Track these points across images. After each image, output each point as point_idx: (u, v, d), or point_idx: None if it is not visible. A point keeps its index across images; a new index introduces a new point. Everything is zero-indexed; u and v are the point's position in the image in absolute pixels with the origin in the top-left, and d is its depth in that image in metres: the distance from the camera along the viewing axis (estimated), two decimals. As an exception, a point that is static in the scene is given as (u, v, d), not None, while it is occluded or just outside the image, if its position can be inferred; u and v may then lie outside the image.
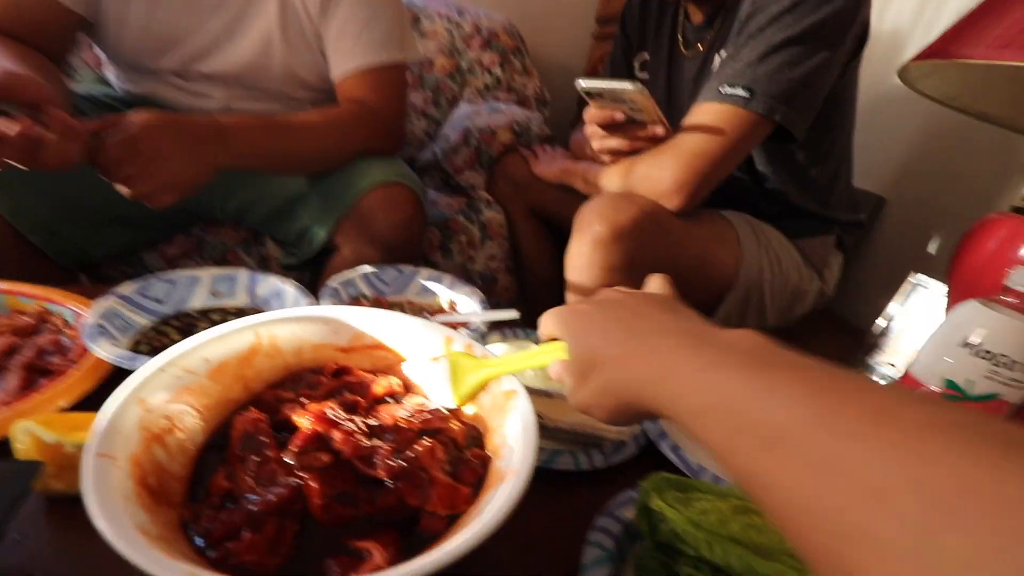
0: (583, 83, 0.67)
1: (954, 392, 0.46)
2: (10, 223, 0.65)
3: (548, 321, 0.37)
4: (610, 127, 0.71)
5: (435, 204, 1.01)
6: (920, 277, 0.82)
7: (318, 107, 0.76)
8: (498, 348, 0.56)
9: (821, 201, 0.82)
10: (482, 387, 0.41)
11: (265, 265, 0.86)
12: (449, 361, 0.42)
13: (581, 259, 0.67)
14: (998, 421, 0.16)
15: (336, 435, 0.35)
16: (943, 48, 0.50)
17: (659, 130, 0.68)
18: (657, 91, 0.88)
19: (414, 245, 0.79)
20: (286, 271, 0.82)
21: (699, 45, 0.81)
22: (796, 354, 0.24)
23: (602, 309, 0.33)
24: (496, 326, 0.61)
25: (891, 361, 0.76)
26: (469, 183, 1.07)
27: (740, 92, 0.63)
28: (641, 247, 0.65)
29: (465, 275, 0.99)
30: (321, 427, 0.35)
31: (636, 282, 0.67)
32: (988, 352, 0.44)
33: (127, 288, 0.51)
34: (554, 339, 0.37)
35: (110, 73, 0.83)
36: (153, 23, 0.72)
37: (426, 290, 0.66)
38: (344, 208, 0.73)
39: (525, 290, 1.10)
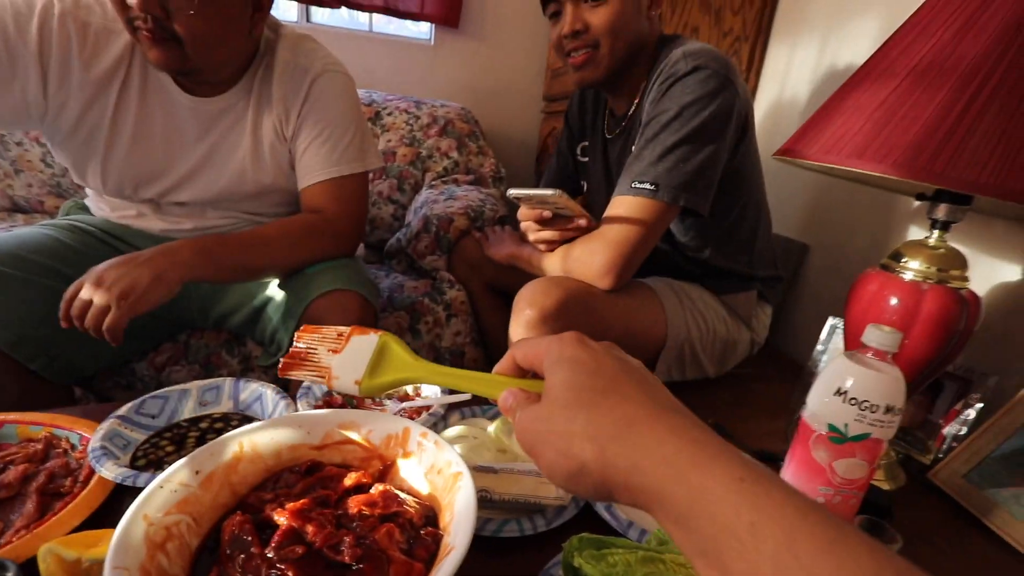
0: (512, 192, 0.79)
1: (836, 434, 0.55)
2: (8, 354, 0.72)
3: (550, 350, 0.32)
4: (541, 221, 0.82)
5: (402, 288, 1.11)
6: (836, 320, 0.93)
7: (288, 214, 0.86)
8: (454, 430, 0.64)
9: (740, 261, 0.94)
10: (401, 384, 0.37)
11: (248, 364, 0.93)
12: (380, 341, 0.38)
13: (518, 338, 0.77)
14: None
15: (309, 528, 0.42)
16: (790, 148, 0.62)
17: (582, 222, 0.80)
18: (597, 169, 1.01)
19: None
20: (266, 370, 0.89)
21: (617, 131, 0.94)
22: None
23: (617, 358, 0.31)
24: (455, 407, 0.69)
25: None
26: (433, 266, 1.16)
27: (648, 186, 0.75)
28: (568, 326, 0.74)
29: (435, 352, 1.07)
30: (296, 523, 0.43)
31: None
32: (855, 399, 0.53)
33: (124, 409, 0.58)
34: (524, 368, 0.34)
35: (90, 203, 0.93)
36: (134, 159, 0.81)
37: (393, 378, 0.74)
38: (298, 314, 0.80)
39: (491, 360, 1.19)
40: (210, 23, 0.70)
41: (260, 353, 0.94)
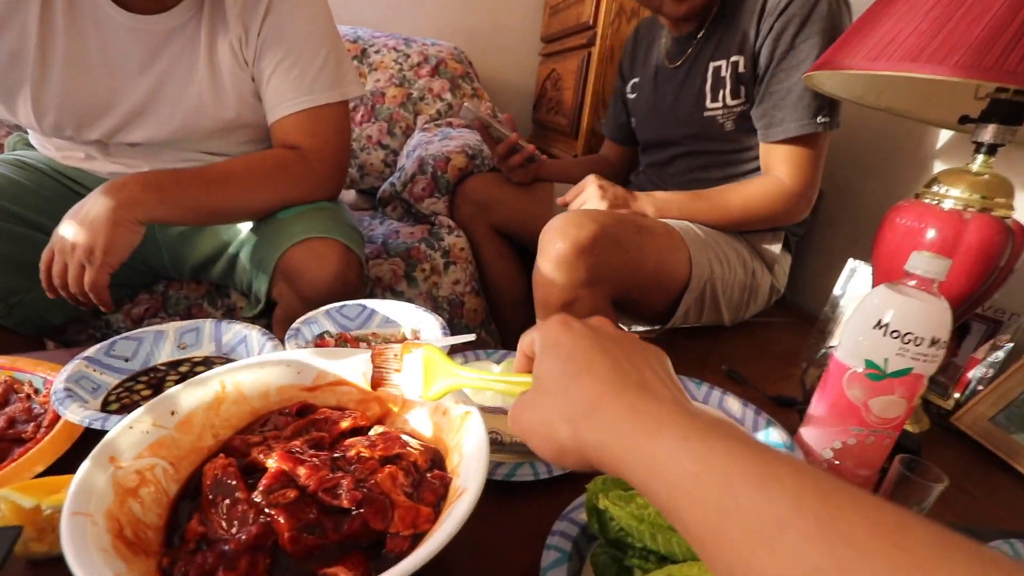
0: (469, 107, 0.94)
1: (874, 370, 0.50)
2: None
3: (537, 337, 0.33)
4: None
5: (397, 234, 1.04)
6: (856, 263, 0.88)
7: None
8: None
9: None
10: (452, 391, 0.41)
11: (232, 316, 0.87)
12: (424, 358, 0.42)
13: (546, 276, 0.71)
14: (984, 547, 0.18)
15: (301, 471, 0.38)
16: (829, 60, 0.56)
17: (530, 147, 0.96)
18: (646, 99, 0.99)
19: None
20: (252, 321, 0.83)
21: (684, 57, 0.90)
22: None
23: (596, 338, 0.31)
24: (457, 349, 0.64)
25: (835, 344, 0.81)
26: (430, 210, 1.10)
27: (826, 119, 0.77)
28: (601, 263, 0.70)
29: (432, 301, 1.02)
30: (287, 465, 0.38)
31: (600, 295, 0.72)
32: (896, 331, 0.49)
33: (93, 350, 0.52)
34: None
35: (34, 141, 0.81)
36: (71, 92, 0.69)
37: (389, 321, 0.69)
38: (270, 266, 0.72)
39: (494, 310, 1.14)
40: None
41: (244, 304, 0.87)
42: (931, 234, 0.60)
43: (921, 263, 0.49)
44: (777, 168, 0.81)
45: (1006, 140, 0.58)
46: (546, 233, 0.71)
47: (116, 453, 0.36)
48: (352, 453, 0.41)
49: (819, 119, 0.75)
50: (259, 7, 0.70)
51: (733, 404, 0.62)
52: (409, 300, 1.00)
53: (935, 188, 0.62)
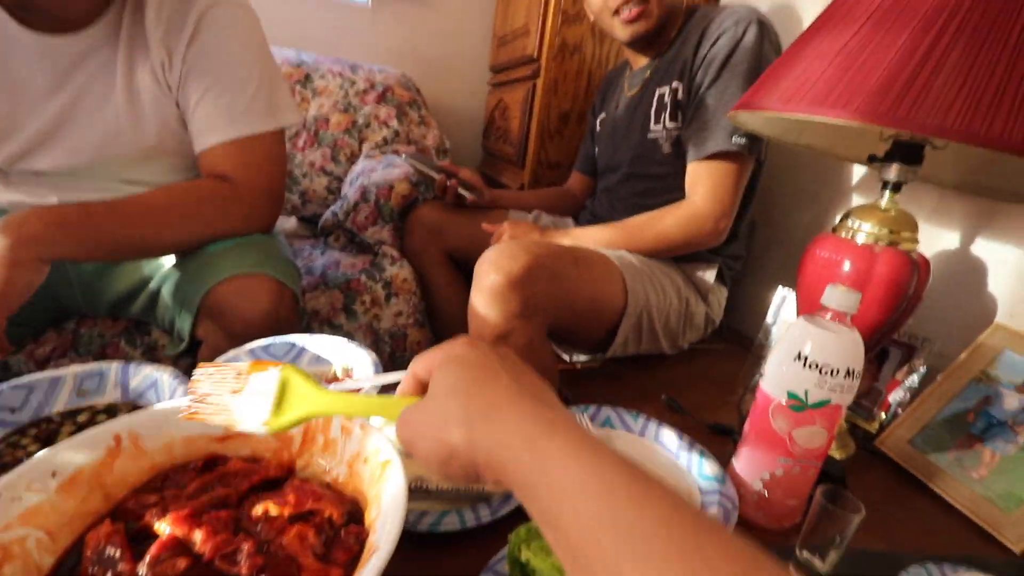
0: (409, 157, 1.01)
1: (795, 402, 0.52)
2: None
3: (439, 354, 0.33)
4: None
5: (338, 265, 1.01)
6: (786, 290, 0.92)
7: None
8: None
9: None
10: (309, 419, 0.36)
11: (154, 356, 0.81)
12: (281, 377, 0.36)
13: (480, 307, 0.70)
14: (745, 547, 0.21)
15: (198, 535, 0.34)
16: (748, 101, 0.59)
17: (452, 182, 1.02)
18: (606, 129, 1.07)
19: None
20: (175, 360, 0.78)
21: (639, 84, 0.96)
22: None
23: (499, 357, 0.32)
24: (389, 388, 0.61)
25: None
26: (375, 239, 1.08)
27: (743, 140, 0.79)
28: (536, 294, 0.69)
29: (373, 334, 0.99)
30: (181, 529, 0.35)
31: (535, 327, 0.72)
32: (815, 363, 0.51)
33: (-28, 402, 0.47)
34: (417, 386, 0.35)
35: None
36: None
37: (319, 359, 0.66)
38: (195, 303, 0.67)
39: (439, 340, 1.11)
40: None
41: (168, 342, 0.82)
42: (847, 266, 0.63)
43: (835, 297, 0.51)
44: (695, 188, 0.84)
45: (908, 178, 0.62)
46: (480, 265, 0.70)
47: (-25, 527, 0.32)
48: (259, 511, 0.38)
49: (735, 139, 0.79)
50: (184, 31, 0.67)
51: (668, 437, 0.63)
52: (348, 334, 0.97)
53: (849, 222, 0.66)
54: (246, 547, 0.34)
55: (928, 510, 0.63)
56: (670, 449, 0.62)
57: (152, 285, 0.75)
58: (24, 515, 0.34)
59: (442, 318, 1.11)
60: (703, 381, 0.91)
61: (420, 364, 0.35)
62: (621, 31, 0.89)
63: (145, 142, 0.70)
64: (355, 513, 0.40)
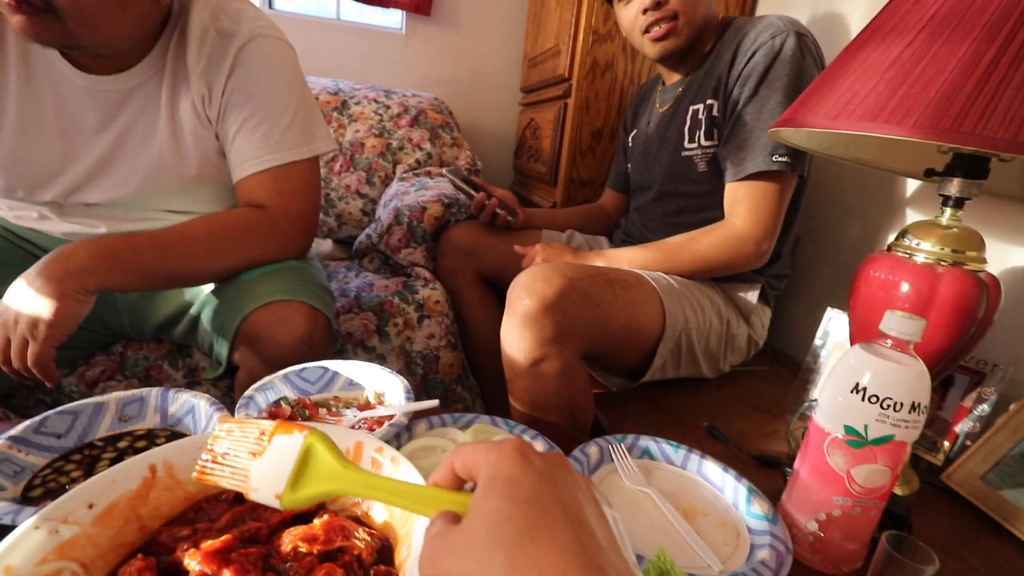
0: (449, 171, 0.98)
1: (854, 437, 0.48)
2: None
3: (484, 463, 0.28)
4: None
5: (371, 287, 1.02)
6: (834, 311, 0.87)
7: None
8: (419, 442, 0.56)
9: None
10: (327, 497, 0.34)
11: (194, 378, 0.84)
12: (304, 444, 0.33)
13: (513, 333, 0.69)
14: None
15: (227, 573, 0.34)
16: (792, 117, 0.56)
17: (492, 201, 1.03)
18: (639, 144, 1.05)
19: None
20: (215, 383, 0.80)
21: (671, 101, 0.94)
22: None
23: (554, 486, 0.27)
24: (421, 415, 0.61)
25: (816, 399, 0.79)
26: (408, 261, 1.08)
27: (786, 159, 0.76)
28: (570, 318, 0.67)
29: (406, 356, 0.99)
30: (210, 567, 0.34)
31: (569, 352, 0.70)
32: (875, 396, 0.47)
33: (19, 428, 0.48)
34: (456, 479, 0.31)
35: None
36: (23, 154, 0.67)
37: (352, 384, 0.65)
38: (231, 330, 0.68)
39: (472, 362, 1.10)
40: None
41: (208, 365, 0.84)
42: (905, 288, 0.59)
43: (895, 324, 0.47)
44: (735, 209, 0.81)
45: (971, 194, 0.58)
46: (513, 290, 0.69)
47: (14, 561, 0.32)
48: (288, 547, 0.37)
49: (776, 157, 0.76)
50: (223, 66, 0.69)
51: (712, 470, 0.59)
52: (381, 356, 0.97)
53: (906, 240, 0.62)
54: (275, 587, 0.33)
55: (1008, 556, 0.57)
56: (714, 483, 0.58)
57: (193, 311, 0.77)
58: (60, 548, 0.34)
59: (475, 340, 1.10)
60: (747, 406, 0.87)
61: (460, 460, 0.30)
62: (650, 49, 0.88)
63: (187, 173, 0.73)
64: (385, 551, 0.39)
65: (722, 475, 0.58)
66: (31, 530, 0.34)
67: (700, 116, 0.87)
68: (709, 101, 0.85)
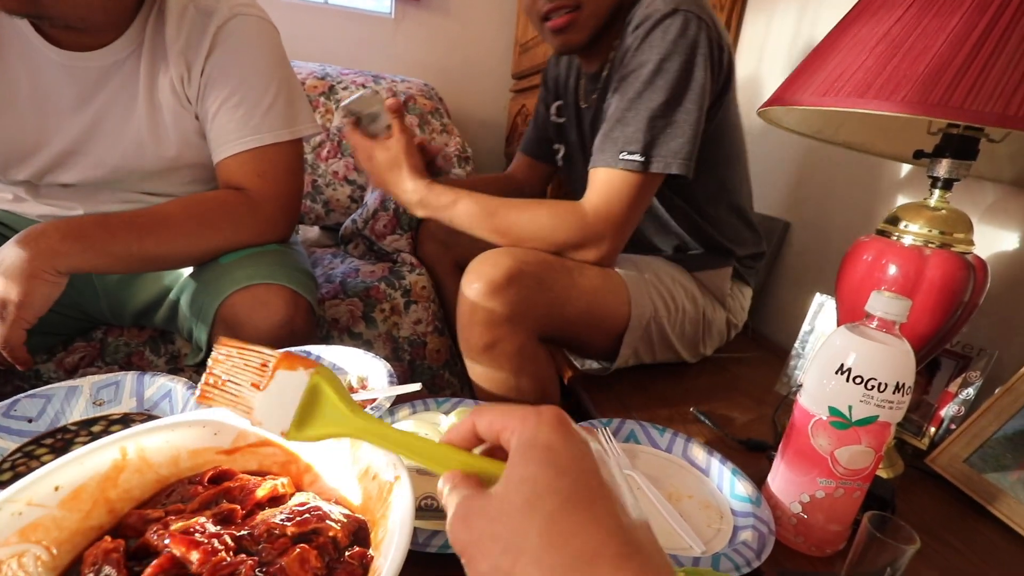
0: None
1: (838, 418, 0.48)
2: None
3: (518, 427, 0.26)
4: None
5: (357, 273, 1.01)
6: (824, 297, 0.87)
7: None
8: (401, 426, 0.55)
9: (715, 236, 0.87)
10: (334, 438, 0.33)
11: (177, 364, 0.82)
12: (310, 383, 0.32)
13: (464, 318, 0.69)
14: None
15: (195, 556, 0.33)
16: (780, 96, 0.55)
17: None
18: (572, 134, 0.94)
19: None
20: (197, 369, 0.78)
21: (593, 97, 0.86)
22: None
23: (592, 458, 0.25)
24: (403, 398, 0.60)
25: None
26: (393, 248, 1.07)
27: (637, 157, 0.67)
28: (520, 300, 0.67)
29: (393, 342, 0.98)
30: (180, 548, 0.33)
31: (523, 333, 0.69)
32: (860, 377, 0.46)
33: (-11, 411, 0.47)
34: (482, 444, 0.29)
35: None
36: None
37: (335, 369, 0.64)
38: (210, 314, 0.67)
39: (457, 349, 1.10)
40: None
41: (190, 350, 0.82)
42: (892, 270, 0.59)
43: (881, 304, 0.47)
44: (587, 195, 0.73)
45: (960, 175, 0.58)
46: (465, 276, 0.68)
47: (-28, 543, 0.31)
48: (261, 530, 0.36)
49: (623, 155, 0.68)
50: (202, 45, 0.67)
51: (698, 452, 0.59)
52: (368, 342, 0.96)
53: (895, 223, 0.61)
54: (244, 568, 0.32)
55: (990, 538, 0.58)
56: (700, 466, 0.58)
57: (172, 295, 0.75)
58: (23, 530, 0.33)
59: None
60: (734, 392, 0.87)
61: (485, 420, 0.28)
62: (551, 40, 0.77)
63: (166, 154, 0.71)
64: (361, 533, 0.38)
65: (707, 458, 0.58)
66: (-8, 511, 0.33)
67: None
68: None
